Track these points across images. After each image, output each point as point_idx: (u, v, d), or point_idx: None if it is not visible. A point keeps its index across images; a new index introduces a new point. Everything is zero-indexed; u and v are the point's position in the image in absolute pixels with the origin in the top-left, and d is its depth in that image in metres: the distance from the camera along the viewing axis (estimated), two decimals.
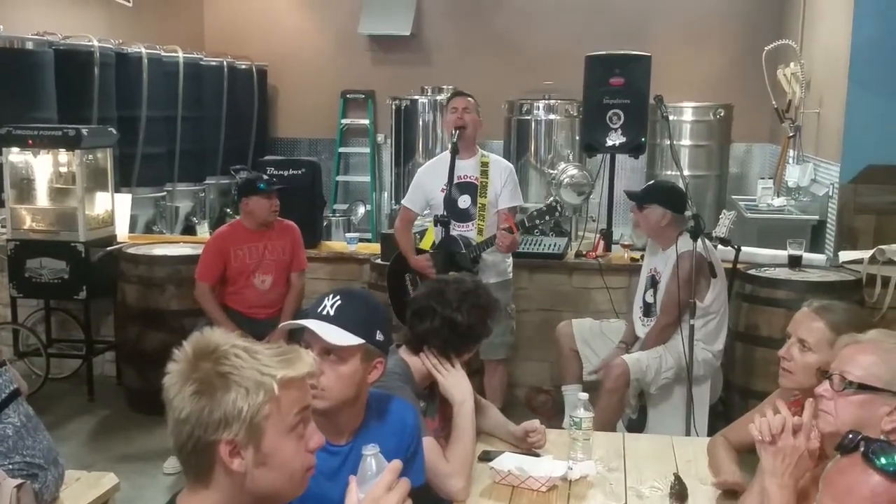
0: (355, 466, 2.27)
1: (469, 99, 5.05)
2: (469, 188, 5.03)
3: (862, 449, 1.64)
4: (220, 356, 1.59)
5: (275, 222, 5.22)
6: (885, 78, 5.93)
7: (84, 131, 5.81)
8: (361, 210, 10.03)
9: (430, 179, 5.10)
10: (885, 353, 2.11)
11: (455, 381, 2.91)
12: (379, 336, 2.36)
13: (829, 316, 2.62)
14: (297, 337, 2.40)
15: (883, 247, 5.38)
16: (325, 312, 2.32)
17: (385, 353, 2.42)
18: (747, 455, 2.86)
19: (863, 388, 2.09)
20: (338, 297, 2.35)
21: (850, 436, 1.70)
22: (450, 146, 4.91)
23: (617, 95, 6.14)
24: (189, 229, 8.59)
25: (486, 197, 5.03)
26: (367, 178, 10.30)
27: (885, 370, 2.08)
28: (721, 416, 5.07)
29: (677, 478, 2.81)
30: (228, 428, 1.57)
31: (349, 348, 2.30)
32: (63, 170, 6.02)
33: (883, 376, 2.07)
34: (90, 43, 7.10)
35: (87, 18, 8.03)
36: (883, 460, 1.60)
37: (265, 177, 5.23)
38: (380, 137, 10.26)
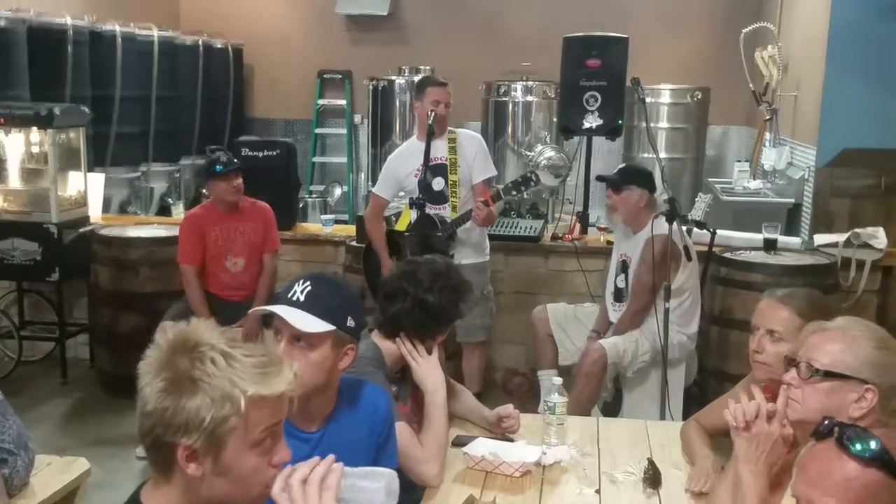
0: (326, 453, 2.26)
1: (448, 89, 5.04)
2: (441, 169, 5.03)
3: (836, 435, 1.65)
4: (196, 357, 1.54)
5: (245, 203, 5.15)
6: (862, 62, 5.95)
7: (56, 110, 5.73)
8: (338, 191, 9.98)
9: (401, 166, 5.09)
10: (851, 340, 2.10)
11: (428, 371, 2.90)
12: (350, 322, 2.33)
13: (794, 302, 2.64)
14: (269, 321, 2.37)
15: (858, 230, 5.41)
16: (295, 298, 2.29)
17: (356, 339, 2.40)
18: (721, 439, 2.87)
19: (829, 375, 2.08)
20: (308, 283, 2.32)
21: (826, 422, 1.71)
22: (425, 130, 4.88)
23: (594, 77, 6.12)
24: (164, 209, 8.50)
25: (456, 174, 5.02)
26: (344, 159, 10.24)
27: (851, 357, 2.08)
28: (696, 398, 5.09)
29: (651, 463, 2.82)
30: (188, 434, 1.52)
31: (319, 335, 2.27)
32: (35, 149, 5.95)
33: (850, 363, 2.07)
34: (63, 20, 7.00)
35: None
36: (858, 446, 1.60)
37: (223, 157, 5.10)
38: (357, 118, 10.20)
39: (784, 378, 2.19)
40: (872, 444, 1.58)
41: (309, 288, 2.30)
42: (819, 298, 2.76)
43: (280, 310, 2.27)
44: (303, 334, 2.26)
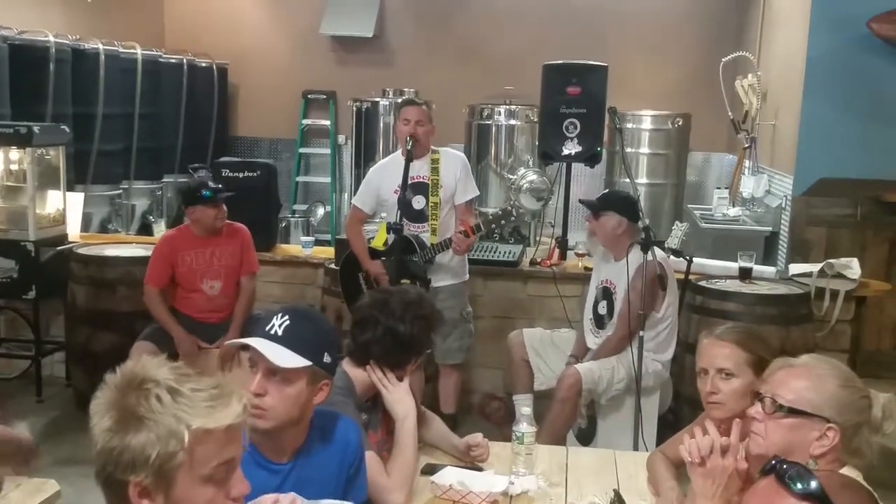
0: (295, 485, 2.28)
1: (422, 108, 5.05)
2: (422, 188, 5.04)
3: (778, 472, 1.67)
4: (142, 394, 1.53)
5: (224, 227, 5.15)
6: (839, 92, 6.02)
7: (36, 129, 5.73)
8: (321, 211, 10.00)
9: (381, 180, 5.10)
10: (816, 378, 2.13)
11: (399, 397, 2.90)
12: (326, 358, 2.34)
13: (732, 336, 2.70)
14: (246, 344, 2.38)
15: (832, 260, 5.45)
16: (273, 332, 2.30)
17: (332, 374, 2.41)
18: (686, 469, 2.89)
19: (793, 412, 2.11)
20: (286, 317, 2.32)
21: (773, 461, 1.73)
22: (404, 154, 4.90)
23: (574, 104, 6.15)
24: (145, 228, 8.50)
25: (437, 195, 5.04)
26: (328, 179, 10.26)
27: (815, 395, 2.10)
28: (671, 426, 5.09)
29: (616, 494, 2.83)
30: (136, 472, 1.52)
31: (296, 370, 2.27)
32: (14, 167, 5.94)
33: (813, 401, 2.10)
34: (46, 38, 7.01)
35: (44, 12, 7.92)
36: (798, 485, 1.63)
37: (211, 184, 5.10)
38: (340, 138, 10.22)
39: (748, 412, 2.21)
40: (812, 484, 1.61)
41: (287, 322, 2.31)
42: (755, 329, 2.81)
43: (258, 343, 2.28)
44: (279, 369, 2.26)
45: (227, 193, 5.09)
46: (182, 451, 1.51)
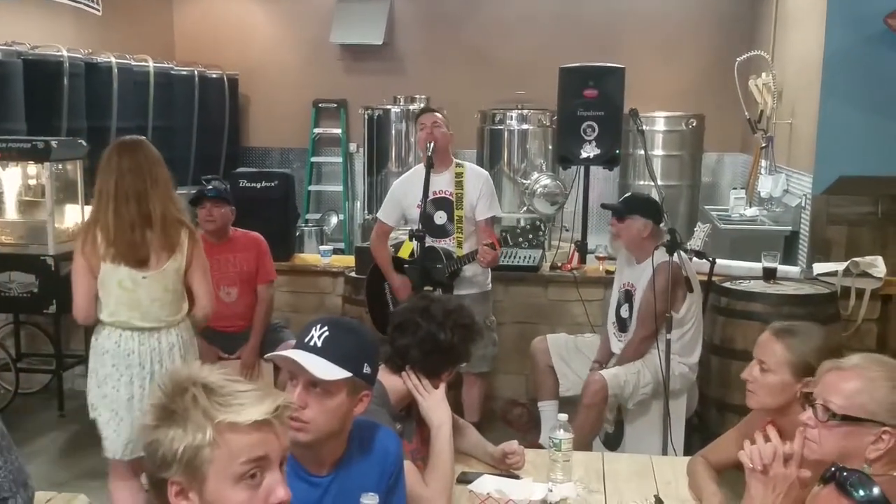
0: (336, 498, 2.25)
1: (437, 115, 5.04)
2: (444, 204, 5.01)
3: (839, 480, 1.66)
4: (181, 392, 1.55)
5: (236, 234, 5.16)
6: (857, 89, 5.98)
7: (54, 143, 5.72)
8: (334, 220, 9.99)
9: (405, 194, 5.07)
10: (868, 381, 2.10)
11: (434, 404, 2.87)
12: (366, 369, 2.31)
13: (787, 339, 2.68)
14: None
15: (857, 259, 5.42)
16: (312, 343, 2.26)
17: (371, 385, 2.38)
18: (727, 472, 2.86)
19: (846, 419, 2.08)
20: (325, 329, 2.28)
21: (833, 469, 1.72)
22: (424, 161, 4.88)
23: (591, 107, 6.14)
24: None
25: (462, 209, 5.01)
26: (340, 188, 10.24)
27: (867, 399, 2.07)
28: (697, 429, 5.08)
29: (658, 500, 2.80)
30: (168, 468, 1.53)
31: (336, 382, 2.24)
32: (32, 182, 5.94)
33: (867, 405, 2.07)
34: (59, 53, 7.01)
35: (56, 27, 7.93)
36: (860, 492, 1.61)
37: (209, 187, 5.13)
38: (352, 147, 10.21)
39: (800, 417, 2.19)
40: (874, 491, 1.59)
41: (326, 333, 2.27)
42: (813, 331, 2.76)
43: (297, 355, 2.24)
44: (319, 381, 2.23)
45: (211, 195, 5.07)
46: (208, 445, 1.52)
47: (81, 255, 3.94)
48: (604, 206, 5.10)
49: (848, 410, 2.08)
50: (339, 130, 10.21)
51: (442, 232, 5.02)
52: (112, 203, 3.90)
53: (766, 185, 7.13)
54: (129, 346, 3.97)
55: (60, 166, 5.94)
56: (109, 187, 3.93)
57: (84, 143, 6.27)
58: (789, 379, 2.63)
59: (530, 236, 4.90)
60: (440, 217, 5.02)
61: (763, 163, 7.56)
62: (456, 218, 5.01)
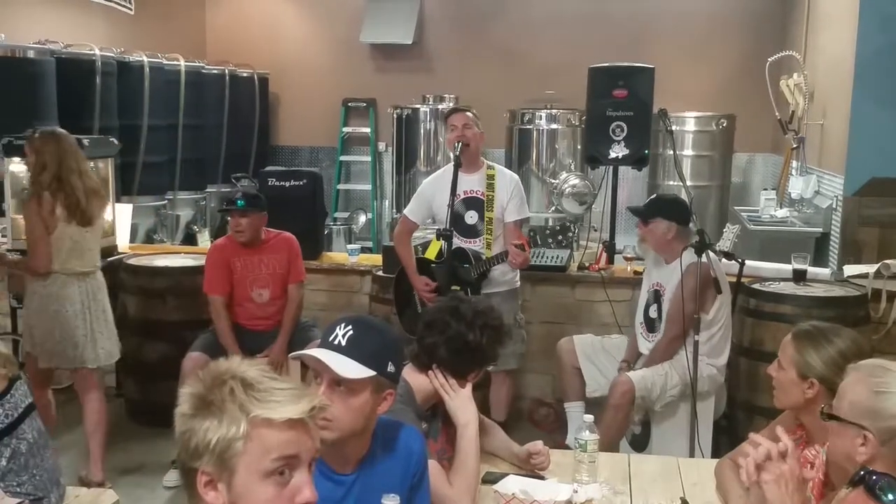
0: (360, 496, 2.25)
1: (468, 114, 5.01)
2: (476, 203, 5.00)
3: (867, 483, 1.65)
4: (219, 384, 1.57)
5: (268, 235, 5.14)
6: (890, 89, 5.91)
7: (85, 141, 5.76)
8: (363, 218, 10.03)
9: (435, 193, 5.04)
10: (856, 383, 2.13)
11: (461, 403, 2.88)
12: (390, 367, 2.32)
13: (800, 338, 2.71)
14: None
15: (888, 261, 5.35)
16: (336, 342, 2.27)
17: (395, 384, 2.38)
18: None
19: (832, 418, 2.12)
20: (350, 327, 2.29)
21: (862, 472, 1.71)
22: (452, 161, 4.87)
23: (620, 107, 6.11)
24: (190, 237, 8.57)
25: (493, 211, 5.00)
26: (368, 187, 10.29)
27: (849, 401, 2.10)
28: (725, 431, 5.04)
29: (684, 502, 2.79)
30: (200, 458, 1.55)
31: (360, 380, 2.25)
32: None
33: (846, 408, 2.10)
34: (91, 51, 7.08)
35: (89, 26, 8.01)
36: (890, 496, 1.60)
37: (245, 192, 5.10)
38: (381, 146, 10.25)
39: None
40: None
41: (351, 332, 2.28)
42: (826, 331, 2.74)
43: (321, 354, 2.25)
44: (343, 379, 2.23)
45: (243, 206, 4.98)
46: (241, 439, 1.53)
47: None
48: (629, 209, 5.08)
49: (836, 410, 2.11)
50: (368, 129, 10.26)
51: (472, 232, 5.01)
52: None
53: (797, 186, 7.08)
54: None
55: (92, 164, 5.98)
56: None
57: (116, 141, 6.33)
58: (795, 378, 2.67)
59: (559, 237, 4.89)
60: (471, 217, 5.00)
61: (794, 164, 7.51)
62: (486, 219, 4.99)
